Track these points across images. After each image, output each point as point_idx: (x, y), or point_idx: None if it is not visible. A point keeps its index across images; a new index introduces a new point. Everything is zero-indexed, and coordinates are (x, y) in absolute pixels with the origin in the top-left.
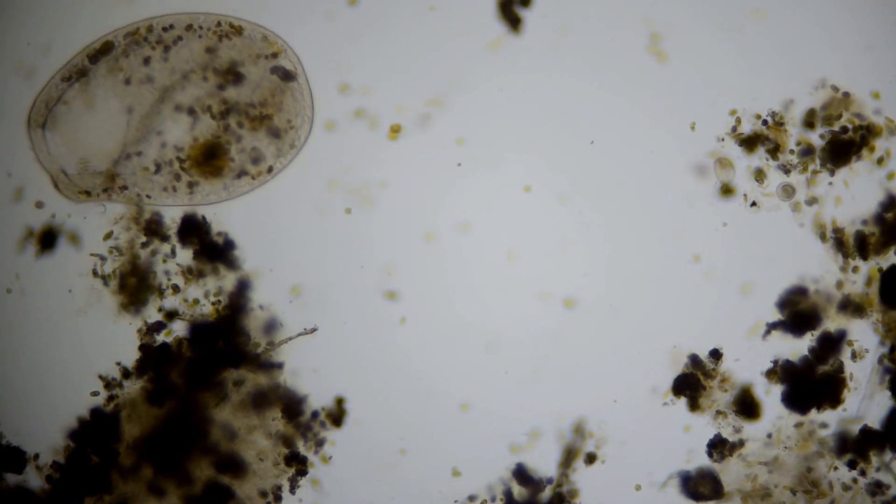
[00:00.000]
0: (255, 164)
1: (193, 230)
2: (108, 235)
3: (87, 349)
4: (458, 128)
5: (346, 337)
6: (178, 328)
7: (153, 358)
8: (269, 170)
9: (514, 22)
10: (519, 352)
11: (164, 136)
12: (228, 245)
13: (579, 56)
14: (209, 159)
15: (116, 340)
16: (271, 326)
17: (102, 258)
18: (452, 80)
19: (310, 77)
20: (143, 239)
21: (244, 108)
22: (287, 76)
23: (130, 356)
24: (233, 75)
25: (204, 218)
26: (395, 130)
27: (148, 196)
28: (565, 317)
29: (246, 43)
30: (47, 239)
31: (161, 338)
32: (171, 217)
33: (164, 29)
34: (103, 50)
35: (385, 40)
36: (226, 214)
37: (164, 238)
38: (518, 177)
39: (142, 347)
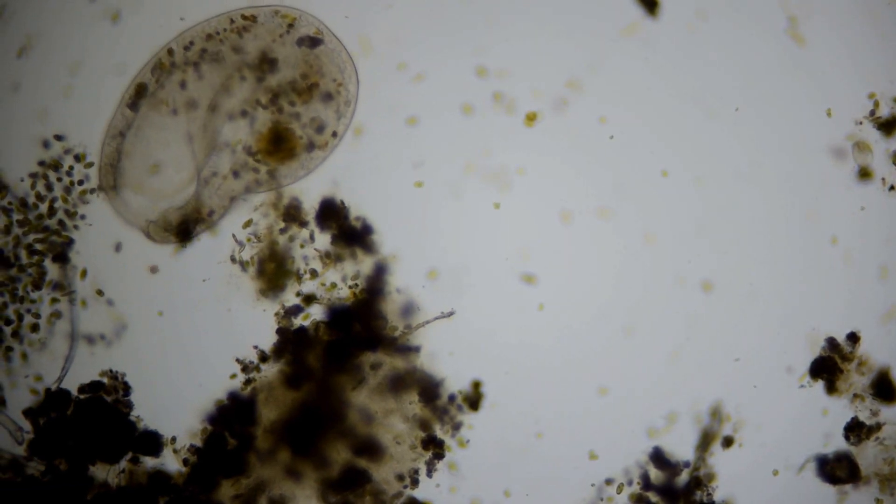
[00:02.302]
0: (320, 132)
1: (332, 215)
2: (249, 223)
3: (226, 333)
4: (594, 112)
5: (483, 320)
6: (316, 312)
7: (291, 341)
8: (334, 135)
9: (650, 6)
10: (657, 335)
11: (231, 144)
12: (366, 229)
13: (716, 40)
14: (278, 145)
15: (254, 325)
16: (409, 310)
17: (241, 244)
18: (589, 65)
19: (445, 62)
20: (282, 225)
21: (288, 87)
22: (314, 42)
23: (268, 340)
24: (267, 63)
25: (342, 202)
26: (532, 118)
27: (233, 199)
28: (703, 300)
29: (265, 27)
30: (184, 228)
31: (299, 321)
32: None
33: (186, 48)
34: (139, 93)
35: (522, 24)
36: (364, 199)
37: (303, 223)
38: (655, 161)
39: (279, 331)
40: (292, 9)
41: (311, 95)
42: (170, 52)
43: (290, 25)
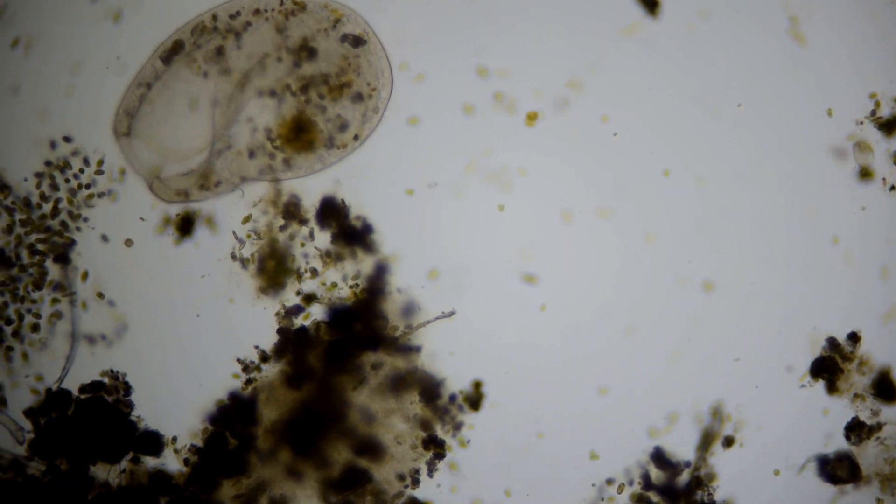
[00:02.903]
0: (342, 131)
1: (332, 213)
2: (248, 219)
3: (226, 333)
4: (595, 112)
5: (483, 320)
6: (317, 312)
7: (291, 341)
8: (355, 138)
9: (651, 6)
10: (657, 335)
11: (254, 121)
12: (367, 229)
13: (717, 40)
14: (299, 134)
15: (255, 324)
16: (409, 310)
17: (241, 241)
18: (589, 65)
19: (446, 62)
20: (282, 222)
21: (321, 79)
22: (357, 41)
23: (269, 340)
24: (306, 51)
25: (343, 201)
26: (532, 118)
27: (244, 179)
28: (703, 300)
29: (312, 17)
30: (186, 225)
31: (299, 321)
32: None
33: (232, 16)
34: (174, 49)
35: (523, 24)
36: (364, 198)
37: (303, 221)
38: (656, 161)
39: (280, 331)
40: (343, 6)
41: (341, 93)
42: (214, 17)
43: (337, 21)
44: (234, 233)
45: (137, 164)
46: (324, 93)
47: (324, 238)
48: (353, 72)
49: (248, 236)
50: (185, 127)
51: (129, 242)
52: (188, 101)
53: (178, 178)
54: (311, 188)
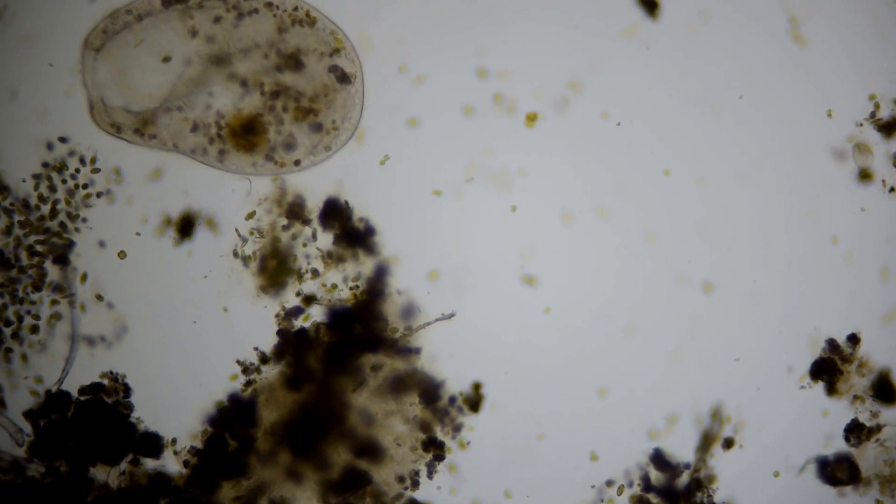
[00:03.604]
0: (287, 150)
1: (335, 215)
2: (251, 215)
3: (226, 334)
4: (595, 112)
5: (483, 321)
6: (317, 313)
7: (291, 343)
8: (297, 163)
9: (650, 7)
10: (657, 336)
11: (212, 99)
12: (369, 231)
13: (717, 41)
14: (246, 132)
15: (254, 325)
16: (409, 311)
17: (244, 239)
18: (590, 65)
19: (446, 63)
20: (285, 222)
21: (294, 94)
22: (343, 78)
23: (268, 341)
24: (294, 61)
25: (346, 203)
26: (532, 119)
27: (175, 146)
28: (703, 301)
29: (316, 35)
30: (186, 226)
31: (299, 323)
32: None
33: None
34: None
35: (522, 25)
36: (366, 199)
37: (306, 221)
38: (656, 161)
39: (280, 332)
40: (345, 39)
41: (305, 117)
42: None
43: (336, 51)
44: (236, 230)
45: (91, 80)
46: (290, 107)
47: (326, 239)
48: (325, 103)
49: (251, 233)
50: (153, 71)
51: (122, 255)
52: (165, 50)
53: (121, 111)
54: (315, 188)
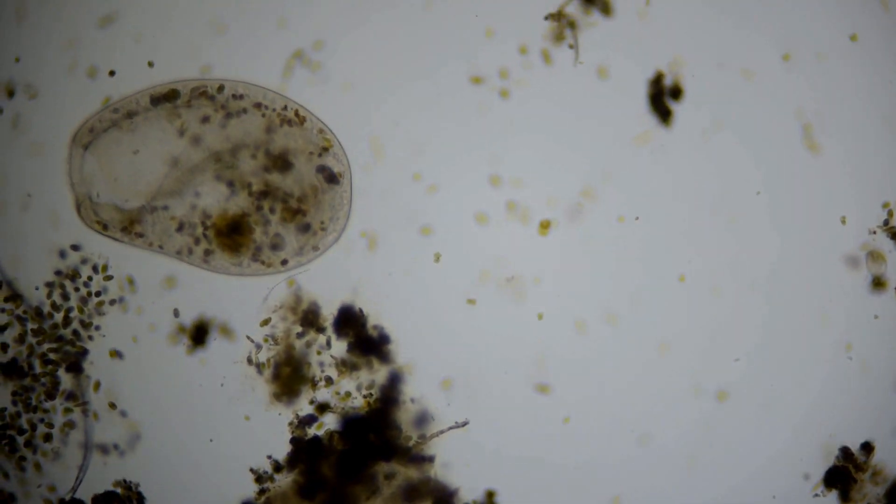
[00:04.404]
0: (274, 251)
1: (350, 322)
2: (266, 322)
3: (239, 442)
4: (609, 220)
5: (497, 429)
6: (330, 421)
7: (304, 451)
8: (283, 262)
9: (664, 115)
10: (672, 444)
11: (198, 199)
12: (383, 339)
13: (730, 149)
14: (231, 233)
15: (268, 433)
16: (423, 419)
17: (258, 346)
18: (603, 173)
19: (463, 170)
20: (300, 329)
21: (282, 195)
22: (332, 178)
23: (282, 449)
24: (282, 161)
25: (361, 310)
26: (546, 226)
27: (161, 247)
28: (718, 408)
29: (304, 135)
30: (199, 334)
31: (313, 431)
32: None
33: (234, 96)
34: (169, 96)
35: (536, 133)
36: (379, 307)
37: (321, 329)
38: (670, 267)
39: (293, 440)
40: (333, 137)
41: (293, 218)
42: (220, 88)
43: (324, 149)
44: (248, 337)
45: (79, 177)
46: (277, 209)
47: (340, 347)
48: (313, 203)
49: (266, 341)
50: (141, 169)
51: (119, 354)
52: (154, 150)
53: (110, 208)
54: (330, 297)
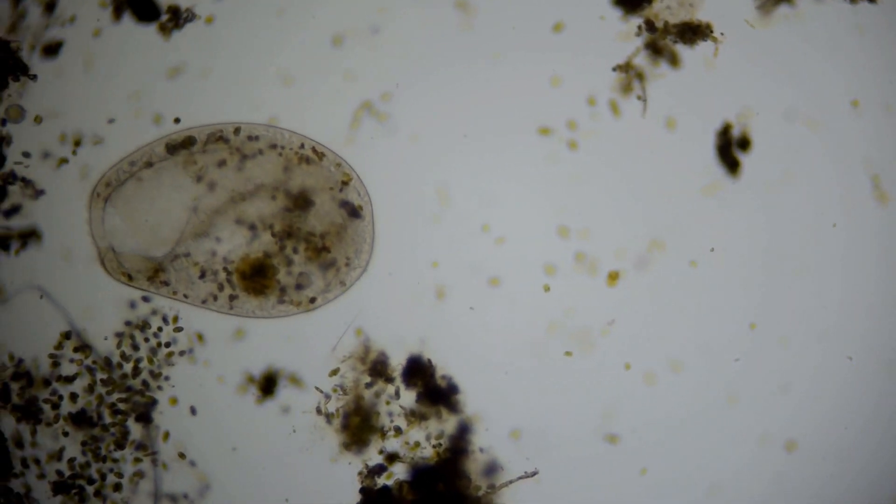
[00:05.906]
0: (298, 290)
1: (418, 373)
2: (335, 372)
3: (309, 492)
4: (678, 270)
5: (566, 479)
6: (400, 471)
7: (374, 501)
8: (312, 300)
9: (732, 166)
10: (740, 496)
11: (219, 245)
12: (452, 388)
13: (799, 201)
14: (255, 276)
15: (337, 483)
16: (492, 469)
17: (327, 396)
18: (670, 223)
19: (531, 222)
20: (368, 379)
21: (305, 234)
22: (354, 213)
23: (351, 499)
24: (303, 200)
25: (429, 361)
26: (614, 277)
27: (185, 296)
28: (787, 459)
29: (322, 172)
30: (268, 385)
31: (382, 480)
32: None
33: (250, 137)
34: (184, 144)
35: (603, 184)
36: (448, 358)
37: (389, 379)
38: (739, 315)
39: (363, 490)
40: (351, 170)
41: (318, 256)
42: (236, 130)
43: (344, 183)
44: (317, 388)
45: (99, 230)
46: (300, 248)
47: (409, 397)
48: (336, 239)
49: (335, 391)
50: (162, 218)
51: (192, 411)
52: (173, 197)
53: (134, 258)
54: (398, 347)
